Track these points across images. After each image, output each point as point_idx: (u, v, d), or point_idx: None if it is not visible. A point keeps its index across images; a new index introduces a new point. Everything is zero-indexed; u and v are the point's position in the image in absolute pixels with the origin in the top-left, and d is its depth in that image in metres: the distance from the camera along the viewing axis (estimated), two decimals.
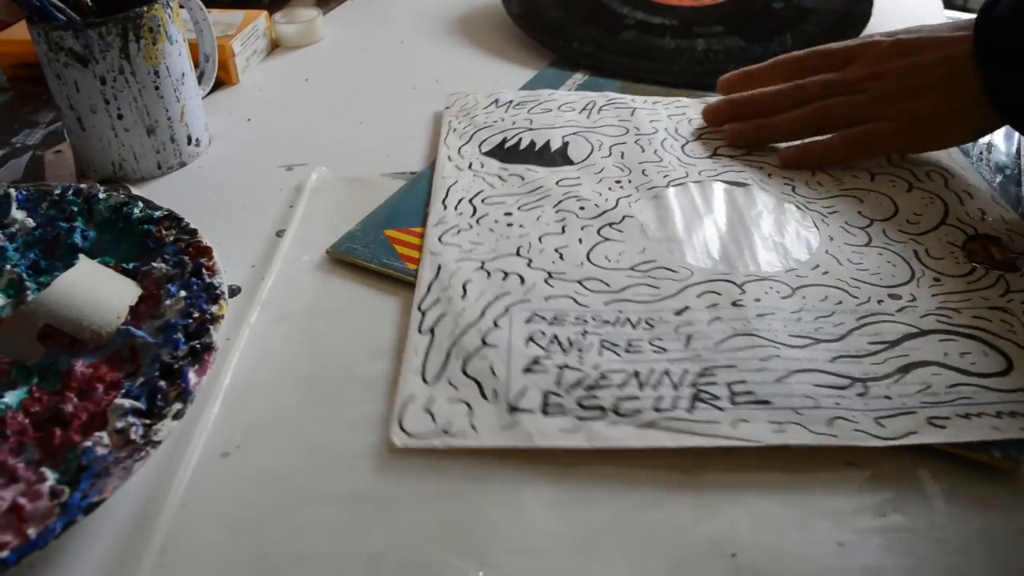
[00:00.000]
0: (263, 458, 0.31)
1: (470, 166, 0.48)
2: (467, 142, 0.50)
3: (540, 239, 0.41)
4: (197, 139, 0.52)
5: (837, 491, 0.29)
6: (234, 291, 0.40)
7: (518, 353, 0.34)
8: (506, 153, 0.49)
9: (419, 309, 0.37)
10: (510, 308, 0.37)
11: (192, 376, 0.31)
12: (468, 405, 0.32)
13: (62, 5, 0.46)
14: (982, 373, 0.33)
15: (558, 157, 0.49)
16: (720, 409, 0.31)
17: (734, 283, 0.38)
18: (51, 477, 0.28)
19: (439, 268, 0.39)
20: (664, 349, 0.34)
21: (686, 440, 0.30)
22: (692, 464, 0.30)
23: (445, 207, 0.44)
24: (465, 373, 0.34)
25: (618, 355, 0.34)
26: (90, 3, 0.47)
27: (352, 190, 0.47)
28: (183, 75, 0.49)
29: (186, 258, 0.38)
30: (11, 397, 0.32)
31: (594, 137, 0.50)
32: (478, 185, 0.46)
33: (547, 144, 0.50)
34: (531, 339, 0.35)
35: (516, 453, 0.31)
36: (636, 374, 0.33)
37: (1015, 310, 0.36)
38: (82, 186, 0.43)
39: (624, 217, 0.43)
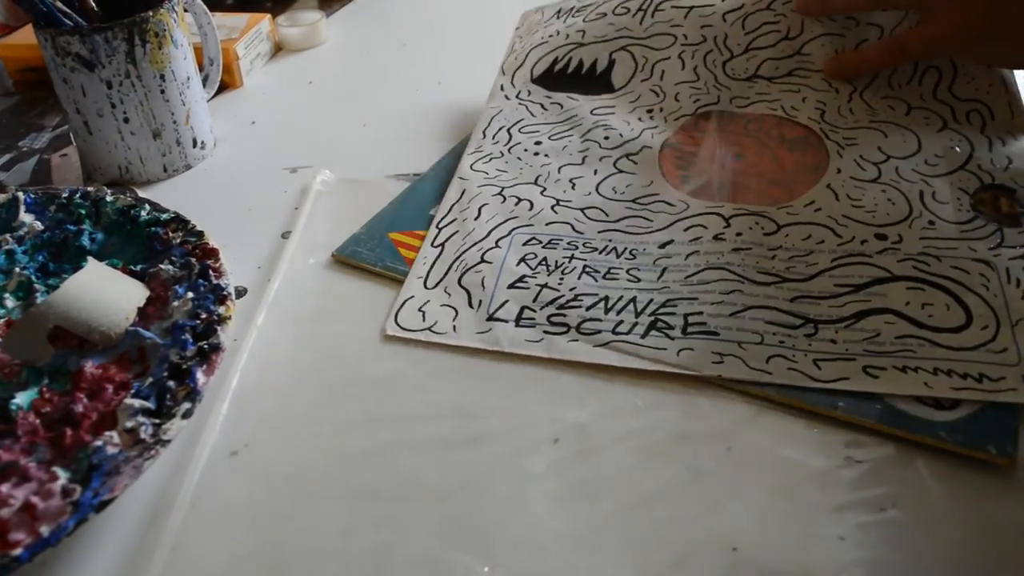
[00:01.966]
0: (271, 457, 0.32)
1: (518, 95, 0.51)
2: (521, 66, 0.53)
3: (559, 169, 0.45)
4: (202, 142, 0.52)
5: (837, 486, 0.29)
6: (240, 292, 0.40)
7: (508, 271, 0.38)
8: (554, 79, 0.51)
9: (437, 226, 0.42)
10: (514, 231, 0.41)
11: (200, 376, 0.32)
12: (455, 310, 0.37)
13: (68, 10, 0.46)
14: (936, 327, 0.33)
15: (600, 83, 0.50)
16: (671, 338, 0.34)
17: (721, 216, 0.40)
18: (63, 476, 0.28)
19: (463, 192, 0.44)
20: (638, 279, 0.37)
21: (631, 362, 0.33)
22: (693, 460, 0.30)
23: (484, 136, 0.48)
24: (460, 283, 0.38)
25: (595, 280, 0.37)
26: (96, 8, 0.48)
27: (356, 192, 0.47)
28: (188, 78, 0.50)
29: (193, 260, 0.38)
30: (22, 398, 0.32)
31: (640, 53, 0.51)
32: (520, 114, 0.49)
33: (594, 65, 0.51)
34: (523, 259, 0.39)
35: (521, 443, 0.31)
36: (606, 299, 0.36)
37: (999, 265, 0.35)
38: (89, 189, 0.43)
39: (642, 148, 0.45)
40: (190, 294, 0.36)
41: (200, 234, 0.40)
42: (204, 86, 0.54)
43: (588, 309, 0.36)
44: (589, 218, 0.41)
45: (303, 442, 0.32)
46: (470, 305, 0.37)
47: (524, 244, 0.40)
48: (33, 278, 0.39)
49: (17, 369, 0.34)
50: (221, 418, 0.33)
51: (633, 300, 0.36)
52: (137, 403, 0.31)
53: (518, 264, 0.38)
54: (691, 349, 0.33)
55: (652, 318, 0.35)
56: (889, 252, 0.36)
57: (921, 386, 0.31)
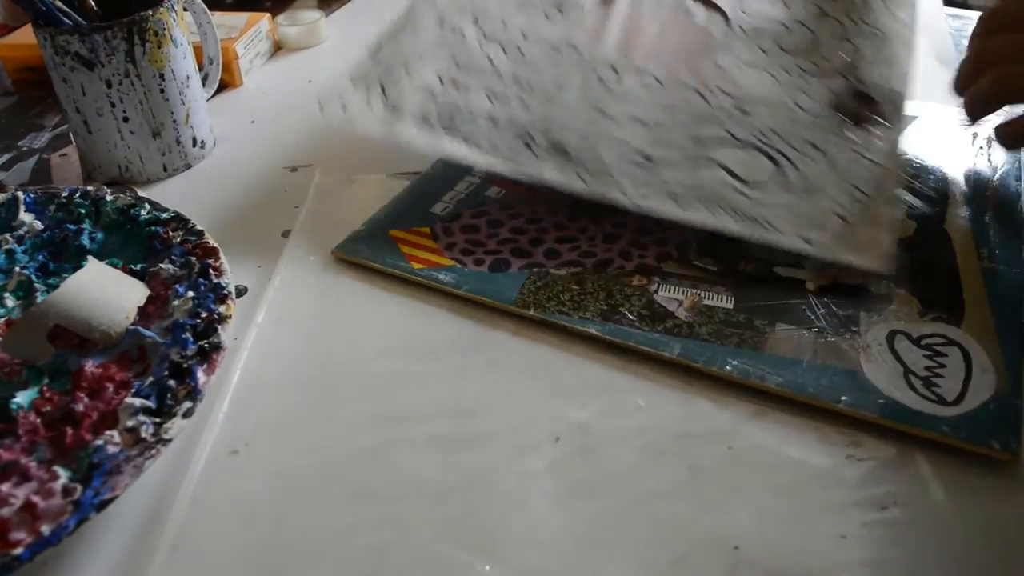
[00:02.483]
0: (272, 456, 0.32)
1: None
2: None
3: (498, 7, 0.50)
4: (202, 141, 0.52)
5: (838, 484, 0.29)
6: (241, 291, 0.40)
7: (420, 82, 0.44)
8: None
9: (379, 41, 0.47)
10: (438, 51, 0.46)
11: (201, 375, 0.32)
12: (370, 105, 0.43)
13: (68, 9, 0.46)
14: (749, 181, 0.39)
15: None
16: (533, 153, 0.41)
17: (615, 69, 0.46)
18: (63, 475, 0.28)
19: (411, 12, 0.49)
20: (528, 108, 0.43)
21: (473, 155, 0.41)
22: (694, 459, 0.30)
23: None
24: (381, 85, 0.44)
25: (491, 104, 0.43)
26: (95, 7, 0.48)
27: (355, 191, 0.47)
28: (188, 78, 0.50)
29: (193, 259, 0.38)
30: (22, 397, 0.32)
31: None
32: None
33: None
34: (439, 76, 0.44)
35: (522, 441, 0.31)
36: (493, 119, 0.42)
37: (827, 149, 0.41)
38: (89, 188, 0.43)
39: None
40: (190, 293, 0.36)
41: (200, 233, 0.40)
42: (204, 85, 0.54)
43: (473, 120, 0.42)
44: (506, 54, 0.46)
45: (304, 441, 0.32)
46: (383, 100, 0.43)
47: (444, 61, 0.45)
48: (33, 277, 0.39)
49: (17, 368, 0.34)
50: (221, 417, 0.33)
51: (511, 121, 0.42)
52: (138, 402, 0.31)
53: (433, 76, 0.44)
54: (549, 164, 0.40)
55: (520, 135, 0.41)
56: (739, 122, 0.42)
57: (725, 224, 0.38)
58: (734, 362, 0.33)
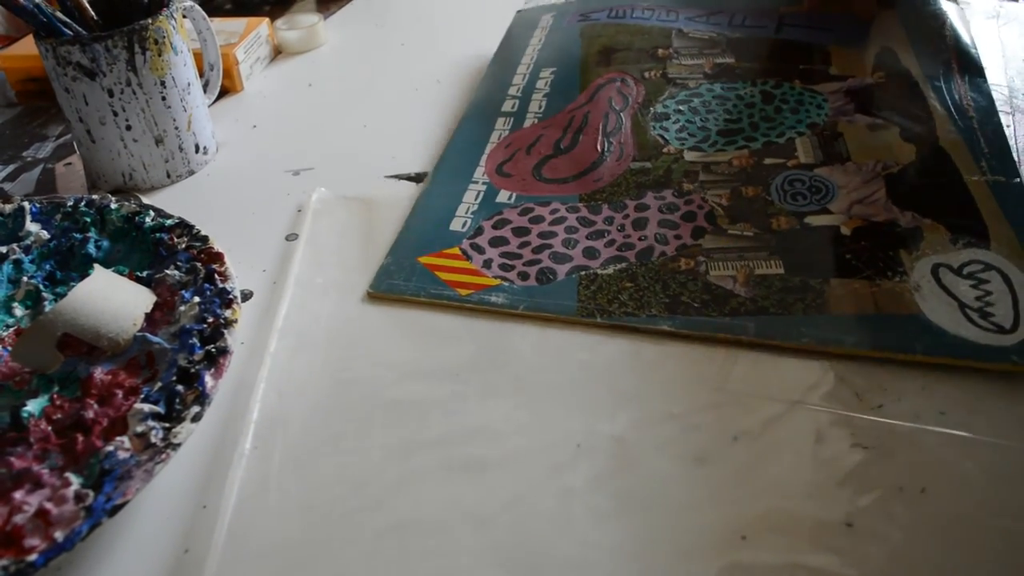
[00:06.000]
0: (303, 492, 0.31)
1: None
2: None
3: None
4: (205, 147, 0.52)
5: (873, 475, 0.29)
6: (246, 295, 0.40)
7: None
8: None
9: None
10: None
11: (208, 379, 0.32)
12: None
13: (69, 20, 0.47)
14: None
15: None
16: None
17: None
18: (75, 481, 0.29)
19: None
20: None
21: None
22: (736, 464, 0.30)
23: None
24: None
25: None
26: (95, 17, 0.48)
27: (353, 208, 0.46)
28: (189, 84, 0.50)
29: (198, 264, 0.38)
30: (33, 405, 0.33)
31: None
32: None
33: None
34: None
35: (556, 458, 0.31)
36: None
37: None
38: (94, 197, 0.44)
39: None
40: (196, 298, 0.36)
41: (205, 239, 0.40)
42: (205, 91, 0.54)
43: None
44: None
45: (334, 474, 0.31)
46: None
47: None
48: (41, 287, 0.39)
49: (28, 377, 0.34)
50: (245, 455, 0.32)
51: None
52: (147, 408, 0.31)
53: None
54: None
55: None
56: None
57: None
58: (810, 331, 0.33)
